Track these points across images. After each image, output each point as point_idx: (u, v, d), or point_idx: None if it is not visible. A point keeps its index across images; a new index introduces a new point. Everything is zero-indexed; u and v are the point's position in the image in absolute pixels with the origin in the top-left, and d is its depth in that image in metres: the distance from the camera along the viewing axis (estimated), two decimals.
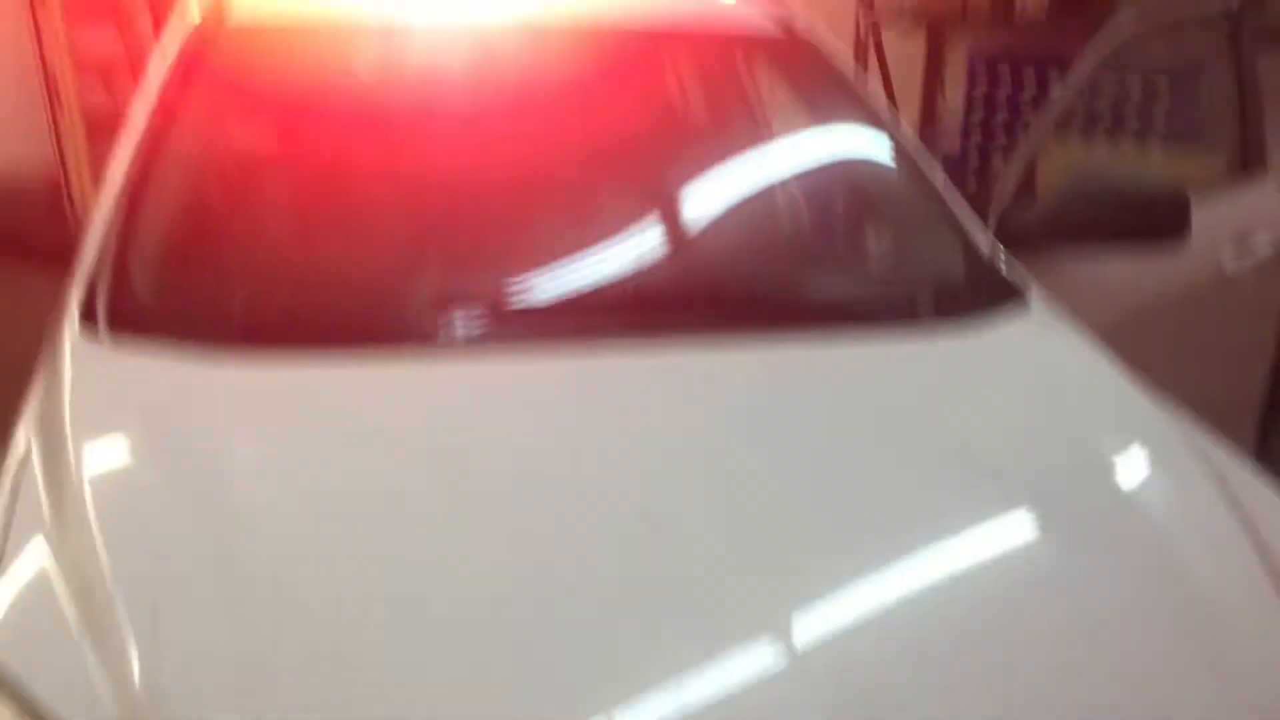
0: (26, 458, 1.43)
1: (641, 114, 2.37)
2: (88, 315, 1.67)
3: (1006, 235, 2.20)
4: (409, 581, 1.25)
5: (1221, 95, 3.21)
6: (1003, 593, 1.33)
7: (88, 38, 5.75)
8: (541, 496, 1.38)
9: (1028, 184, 2.67)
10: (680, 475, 1.45)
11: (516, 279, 1.83)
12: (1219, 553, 1.42)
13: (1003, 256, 2.06)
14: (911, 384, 1.71)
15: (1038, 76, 4.12)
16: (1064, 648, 1.26)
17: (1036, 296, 1.94)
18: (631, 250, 1.97)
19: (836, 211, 2.47)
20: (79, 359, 1.60)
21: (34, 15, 5.69)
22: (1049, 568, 1.38)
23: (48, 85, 5.80)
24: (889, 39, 4.68)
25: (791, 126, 2.51)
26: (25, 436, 1.48)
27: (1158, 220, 2.15)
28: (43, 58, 5.76)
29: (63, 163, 5.84)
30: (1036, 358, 1.83)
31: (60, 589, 1.22)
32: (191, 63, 2.07)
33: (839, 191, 2.45)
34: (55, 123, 5.89)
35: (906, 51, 4.83)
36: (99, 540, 1.26)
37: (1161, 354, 2.01)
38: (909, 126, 4.68)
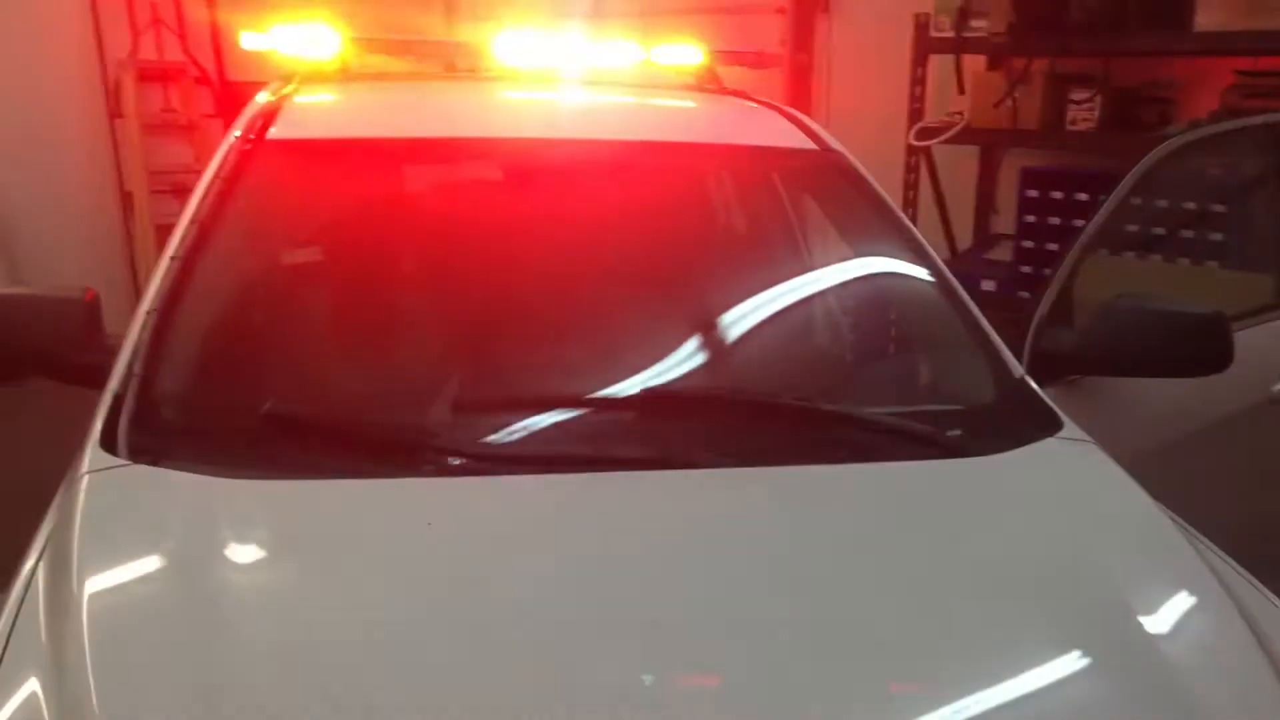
0: (31, 582, 1.42)
1: (675, 238, 2.37)
2: (107, 439, 1.63)
3: (1041, 358, 2.17)
4: None
5: (1275, 214, 3.16)
6: None
7: (163, 152, 5.98)
8: (567, 640, 1.33)
9: (1064, 303, 2.63)
10: (703, 605, 1.41)
11: (547, 404, 1.81)
12: (1244, 694, 1.37)
13: (1031, 382, 2.01)
14: (937, 513, 1.68)
15: (1090, 192, 4.10)
16: None
17: (1067, 423, 1.90)
18: (663, 377, 1.96)
19: (866, 334, 2.46)
20: (94, 485, 1.56)
21: (113, 130, 5.94)
22: (1068, 707, 1.33)
23: (123, 198, 6.03)
24: (939, 152, 4.69)
25: (822, 248, 2.51)
26: (33, 560, 1.47)
27: (1195, 345, 2.10)
28: (119, 171, 6.00)
29: (134, 274, 6.04)
30: (1064, 487, 1.78)
31: None
32: (229, 178, 2.04)
33: (868, 315, 2.44)
34: (129, 234, 6.10)
35: (958, 163, 4.83)
36: (93, 683, 1.21)
37: (1207, 479, 1.94)
38: (959, 242, 4.72)
